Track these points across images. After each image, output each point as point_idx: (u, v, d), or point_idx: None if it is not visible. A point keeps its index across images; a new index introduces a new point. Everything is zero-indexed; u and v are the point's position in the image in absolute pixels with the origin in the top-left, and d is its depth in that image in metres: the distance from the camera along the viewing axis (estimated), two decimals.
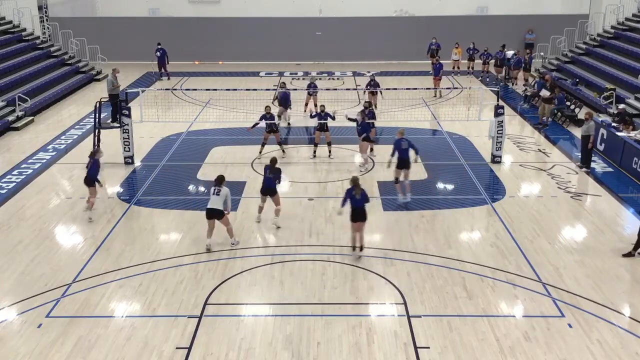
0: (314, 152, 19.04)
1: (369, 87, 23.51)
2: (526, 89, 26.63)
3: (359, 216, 12.48)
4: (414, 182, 17.13)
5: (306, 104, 23.56)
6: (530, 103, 25.39)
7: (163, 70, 30.79)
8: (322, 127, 18.70)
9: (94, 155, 15.04)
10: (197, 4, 35.29)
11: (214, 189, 13.12)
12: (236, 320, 10.79)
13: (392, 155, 15.62)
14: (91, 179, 14.79)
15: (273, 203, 14.29)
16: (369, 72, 32.69)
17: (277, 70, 33.39)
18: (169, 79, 30.66)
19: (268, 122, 18.55)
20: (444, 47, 31.12)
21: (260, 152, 19.08)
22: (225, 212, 13.15)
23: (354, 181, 12.58)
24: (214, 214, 13.10)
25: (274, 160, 14.44)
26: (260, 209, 14.60)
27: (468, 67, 31.06)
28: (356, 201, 12.36)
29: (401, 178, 15.70)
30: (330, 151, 18.92)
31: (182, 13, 35.23)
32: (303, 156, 19.35)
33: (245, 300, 11.49)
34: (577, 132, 21.51)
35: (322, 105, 19.21)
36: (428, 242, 13.64)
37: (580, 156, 18.48)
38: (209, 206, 13.11)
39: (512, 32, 33.63)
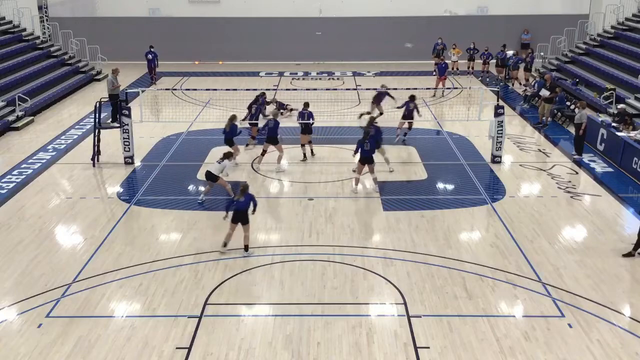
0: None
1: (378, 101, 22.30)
2: (526, 90, 26.64)
3: (239, 218, 12.85)
4: (414, 182, 17.23)
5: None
6: (530, 103, 25.41)
7: (153, 74, 30.41)
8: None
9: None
10: (197, 4, 35.28)
11: (218, 159, 15.44)
12: (236, 320, 10.79)
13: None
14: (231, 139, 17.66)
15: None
16: (369, 72, 32.75)
17: (277, 70, 33.38)
18: (155, 83, 30.21)
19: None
20: (447, 48, 31.08)
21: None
22: (221, 176, 15.48)
23: (243, 187, 12.98)
24: (209, 177, 15.40)
25: (372, 119, 17.06)
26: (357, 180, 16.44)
27: (468, 67, 31.02)
28: (238, 204, 12.81)
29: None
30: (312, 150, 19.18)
31: (182, 13, 35.21)
32: (302, 157, 19.33)
33: (245, 300, 11.49)
34: None
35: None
36: (428, 242, 13.65)
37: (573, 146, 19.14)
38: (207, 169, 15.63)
39: (512, 32, 33.62)
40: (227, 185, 15.70)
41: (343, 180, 17.16)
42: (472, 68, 30.98)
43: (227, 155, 15.50)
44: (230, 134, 17.69)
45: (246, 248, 13.04)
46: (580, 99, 24.21)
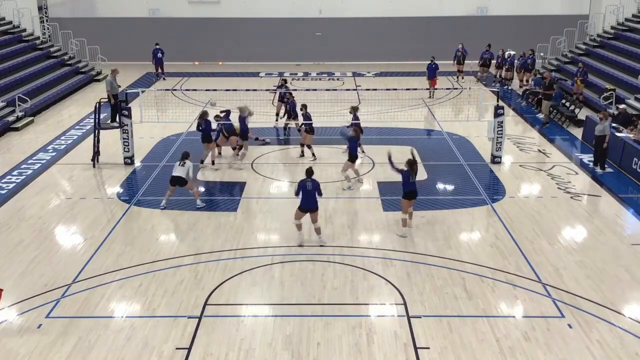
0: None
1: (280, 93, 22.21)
2: (525, 91, 26.73)
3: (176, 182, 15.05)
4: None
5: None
6: (528, 101, 25.55)
7: (160, 71, 30.86)
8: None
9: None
10: (197, 5, 35.29)
11: (179, 162, 15.12)
12: (236, 320, 10.79)
13: None
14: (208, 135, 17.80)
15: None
16: (369, 72, 32.76)
17: (277, 70, 33.39)
18: (164, 79, 30.84)
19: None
20: (445, 48, 30.92)
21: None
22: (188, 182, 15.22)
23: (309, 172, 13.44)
24: (177, 182, 15.14)
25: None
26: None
27: (497, 75, 30.15)
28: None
29: None
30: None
31: (182, 13, 35.23)
32: (302, 157, 19.33)
33: (245, 300, 11.49)
34: (577, 133, 21.57)
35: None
36: (428, 242, 13.65)
37: (592, 158, 18.38)
38: (173, 174, 15.15)
39: (511, 32, 33.60)
40: (195, 188, 15.64)
41: (343, 180, 17.15)
42: (500, 76, 29.89)
43: (187, 156, 15.24)
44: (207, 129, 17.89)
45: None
46: (579, 100, 24.28)
